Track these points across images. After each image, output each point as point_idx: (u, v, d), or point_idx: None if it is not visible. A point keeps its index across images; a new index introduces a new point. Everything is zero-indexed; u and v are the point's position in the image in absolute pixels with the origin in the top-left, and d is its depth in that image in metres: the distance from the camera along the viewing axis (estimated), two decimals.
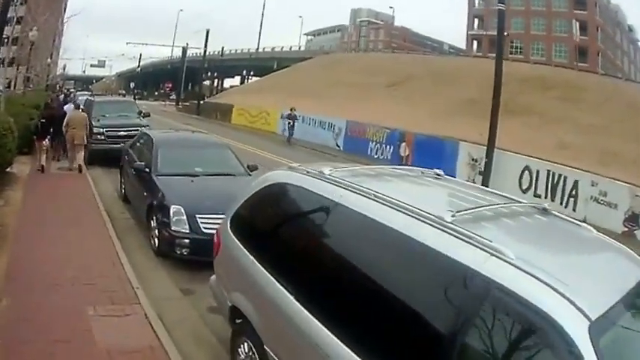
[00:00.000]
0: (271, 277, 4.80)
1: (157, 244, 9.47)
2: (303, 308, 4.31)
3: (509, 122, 25.81)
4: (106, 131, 19.10)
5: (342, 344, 3.82)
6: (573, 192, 18.85)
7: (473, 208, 3.87)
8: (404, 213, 3.86)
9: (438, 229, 3.58)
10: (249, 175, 10.99)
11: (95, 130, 19.00)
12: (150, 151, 11.54)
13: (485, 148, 21.86)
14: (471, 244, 3.38)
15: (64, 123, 17.32)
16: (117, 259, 8.75)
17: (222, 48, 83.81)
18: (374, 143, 28.57)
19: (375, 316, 3.79)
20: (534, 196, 19.75)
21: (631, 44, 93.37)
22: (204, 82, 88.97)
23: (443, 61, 59.45)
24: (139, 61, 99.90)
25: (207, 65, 75.44)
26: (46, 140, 16.83)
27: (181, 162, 11.07)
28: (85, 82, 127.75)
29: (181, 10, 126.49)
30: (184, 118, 48.06)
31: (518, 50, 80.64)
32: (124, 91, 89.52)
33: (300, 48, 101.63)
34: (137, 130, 18.58)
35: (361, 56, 72.70)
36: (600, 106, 34.61)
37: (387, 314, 3.71)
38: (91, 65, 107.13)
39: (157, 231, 9.42)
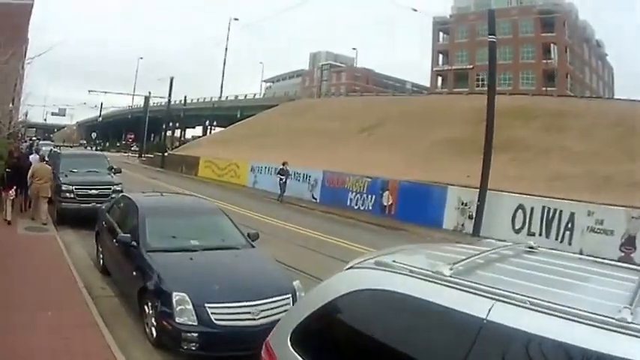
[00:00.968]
0: None
1: (155, 335, 8.44)
2: None
3: (497, 158, 26.63)
4: (76, 189, 18.81)
5: None
6: (569, 225, 19.68)
7: None
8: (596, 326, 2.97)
9: None
10: (253, 246, 10.41)
11: (64, 187, 18.89)
12: (134, 219, 10.66)
13: (477, 190, 22.69)
14: None
15: (29, 174, 17.81)
16: (110, 356, 7.61)
17: (185, 97, 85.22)
18: (354, 193, 29.01)
19: None
20: (528, 234, 20.42)
21: (599, 60, 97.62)
22: (168, 133, 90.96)
23: (415, 100, 60.92)
24: (100, 110, 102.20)
25: (170, 115, 77.19)
26: (12, 191, 17.33)
27: (174, 234, 10.25)
28: (45, 131, 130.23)
29: (141, 58, 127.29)
30: (150, 172, 48.59)
31: (485, 82, 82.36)
32: (84, 141, 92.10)
33: (262, 95, 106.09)
34: (109, 188, 19.03)
35: (328, 101, 74.94)
36: (588, 131, 35.96)
37: None
38: (52, 113, 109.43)
39: (154, 319, 8.42)
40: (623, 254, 17.69)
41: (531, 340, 3.06)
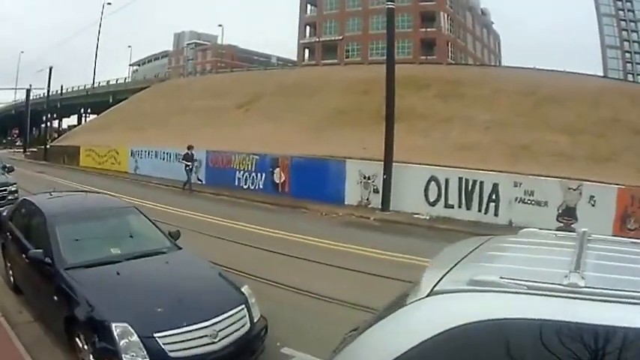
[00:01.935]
0: None
1: None
2: None
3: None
4: None
5: None
6: (493, 196, 19.73)
7: None
8: None
9: None
10: (179, 247, 9.40)
11: None
12: (42, 229, 9.25)
13: (379, 162, 22.50)
14: None
15: None
16: None
17: (62, 87, 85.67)
18: (241, 172, 28.64)
19: None
20: (445, 207, 20.64)
21: (484, 28, 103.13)
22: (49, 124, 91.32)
23: (289, 74, 61.75)
24: None
25: (49, 107, 77.93)
26: None
27: (90, 243, 9.04)
28: None
29: (22, 52, 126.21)
30: (35, 166, 47.59)
31: (355, 53, 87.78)
32: None
33: (132, 79, 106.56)
34: (4, 189, 18.41)
35: (199, 79, 76.12)
36: (491, 99, 36.63)
37: None
38: None
39: (92, 357, 7.12)
40: (562, 224, 18.08)
41: None
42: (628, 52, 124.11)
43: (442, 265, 3.51)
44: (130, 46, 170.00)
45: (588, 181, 18.85)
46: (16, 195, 17.80)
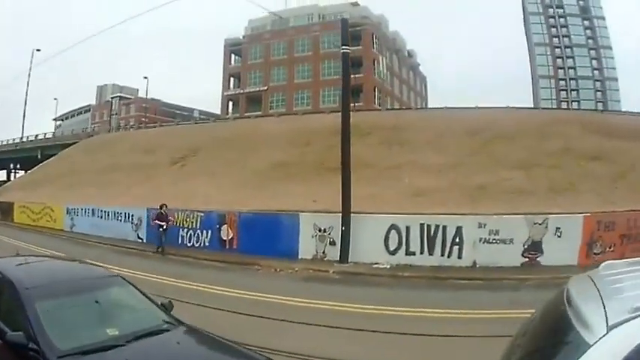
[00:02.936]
0: None
1: None
2: None
3: (337, 180, 26.84)
4: None
5: None
6: (457, 239, 20.70)
7: None
8: None
9: None
10: (180, 322, 8.24)
11: None
12: (16, 305, 7.61)
13: (334, 214, 23.06)
14: None
15: None
16: None
17: None
18: (185, 230, 28.66)
19: None
20: (407, 254, 21.31)
21: (411, 70, 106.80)
22: None
23: (223, 127, 62.28)
24: None
25: None
26: None
27: (79, 322, 7.72)
28: None
29: None
30: None
31: (280, 104, 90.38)
32: None
33: (53, 134, 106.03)
34: None
35: (129, 134, 76.03)
36: (438, 143, 37.92)
37: None
38: None
39: None
40: (527, 259, 19.46)
41: None
42: (562, 79, 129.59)
43: (590, 303, 3.58)
44: (56, 99, 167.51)
45: (553, 213, 20.20)
46: None
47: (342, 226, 22.31)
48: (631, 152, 32.80)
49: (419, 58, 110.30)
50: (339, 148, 33.47)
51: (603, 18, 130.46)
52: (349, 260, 21.80)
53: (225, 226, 26.94)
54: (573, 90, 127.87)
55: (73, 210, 38.53)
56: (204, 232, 27.84)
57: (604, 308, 3.35)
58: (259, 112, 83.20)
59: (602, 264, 4.36)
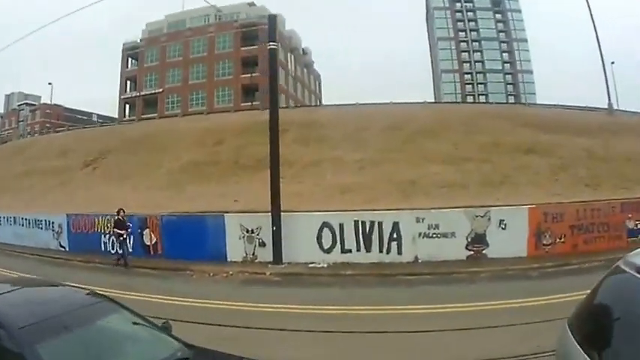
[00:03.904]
0: None
1: None
2: None
3: (256, 178, 26.75)
4: None
5: None
6: (394, 235, 20.89)
7: None
8: None
9: None
10: (190, 345, 7.15)
11: None
12: (10, 351, 5.96)
13: (261, 214, 23.03)
14: None
15: None
16: None
17: None
18: (107, 236, 27.32)
19: None
20: (342, 252, 21.31)
21: (305, 68, 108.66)
22: None
23: (134, 129, 61.38)
24: None
25: None
26: None
27: None
28: None
29: None
30: None
31: (175, 105, 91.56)
32: None
33: None
34: None
35: (41, 139, 74.93)
36: (358, 138, 38.25)
37: None
38: None
39: None
40: (472, 253, 19.97)
41: None
42: (468, 73, 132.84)
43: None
44: None
45: (496, 206, 20.82)
46: None
47: (272, 226, 21.94)
48: (568, 145, 34.04)
49: (316, 56, 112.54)
50: (251, 146, 33.50)
51: (519, 11, 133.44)
52: (283, 261, 21.50)
53: (147, 231, 25.99)
54: (480, 84, 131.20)
55: None
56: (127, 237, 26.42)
57: None
58: (155, 115, 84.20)
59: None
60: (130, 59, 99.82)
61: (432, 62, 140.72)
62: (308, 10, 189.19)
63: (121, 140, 51.42)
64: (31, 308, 6.81)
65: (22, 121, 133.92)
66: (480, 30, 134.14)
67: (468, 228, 20.07)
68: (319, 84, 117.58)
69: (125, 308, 7.54)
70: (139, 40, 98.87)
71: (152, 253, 25.62)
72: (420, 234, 20.40)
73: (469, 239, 20.04)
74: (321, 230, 21.63)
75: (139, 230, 26.22)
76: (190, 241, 24.08)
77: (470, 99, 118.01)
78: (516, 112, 46.64)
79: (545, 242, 19.95)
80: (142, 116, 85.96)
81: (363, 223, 21.13)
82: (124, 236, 24.99)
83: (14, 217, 33.18)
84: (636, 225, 20.80)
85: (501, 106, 66.08)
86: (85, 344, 6.47)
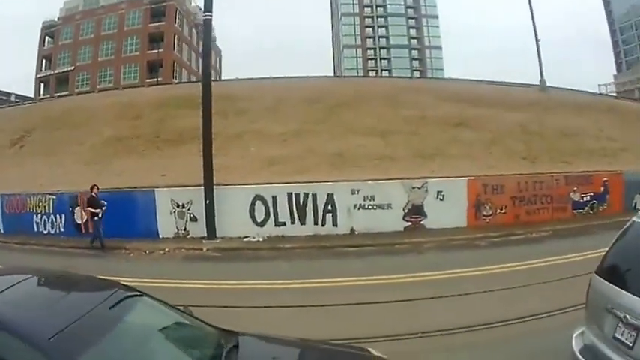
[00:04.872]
0: None
1: None
2: None
3: (181, 152, 26.29)
4: None
5: None
6: (329, 207, 21.12)
7: None
8: None
9: None
10: (226, 331, 6.25)
11: None
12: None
13: (193, 188, 22.82)
14: None
15: None
16: None
17: None
18: (39, 216, 26.34)
19: None
20: (276, 225, 21.54)
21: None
22: None
23: (55, 106, 59.16)
24: None
25: None
26: None
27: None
28: None
29: None
30: None
31: (85, 82, 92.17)
32: None
33: None
34: None
35: None
36: (274, 111, 38.45)
37: None
38: None
39: None
40: (409, 224, 20.48)
41: None
42: (371, 48, 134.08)
43: None
44: None
45: (433, 177, 21.15)
46: None
47: (205, 200, 21.74)
48: (499, 120, 34.72)
49: (218, 32, 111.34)
50: (170, 119, 33.12)
51: None
52: (217, 236, 21.36)
53: (78, 209, 25.16)
54: (384, 59, 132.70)
55: None
56: (58, 216, 25.86)
57: None
58: (67, 92, 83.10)
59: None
60: (47, 38, 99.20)
61: (332, 38, 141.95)
62: None
63: (42, 118, 50.02)
64: (53, 308, 5.19)
65: None
66: (388, 6, 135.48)
67: (405, 199, 20.40)
68: (220, 59, 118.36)
69: (151, 297, 6.39)
70: (56, 19, 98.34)
71: (84, 231, 24.50)
72: (355, 206, 20.67)
73: (406, 210, 20.44)
74: (253, 203, 21.67)
75: (70, 209, 25.43)
76: (121, 219, 23.22)
77: (372, 74, 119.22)
78: (438, 86, 47.24)
79: (485, 213, 20.58)
80: (55, 94, 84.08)
81: (297, 195, 21.25)
82: (100, 215, 23.00)
83: None
84: (582, 198, 21.74)
85: (424, 80, 66.78)
86: (132, 346, 5.30)
